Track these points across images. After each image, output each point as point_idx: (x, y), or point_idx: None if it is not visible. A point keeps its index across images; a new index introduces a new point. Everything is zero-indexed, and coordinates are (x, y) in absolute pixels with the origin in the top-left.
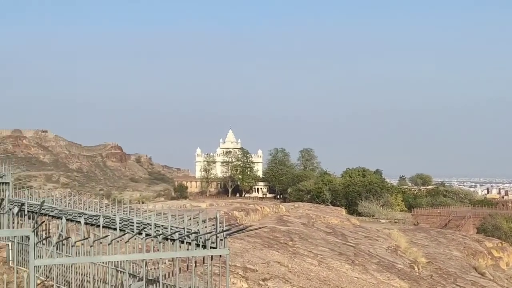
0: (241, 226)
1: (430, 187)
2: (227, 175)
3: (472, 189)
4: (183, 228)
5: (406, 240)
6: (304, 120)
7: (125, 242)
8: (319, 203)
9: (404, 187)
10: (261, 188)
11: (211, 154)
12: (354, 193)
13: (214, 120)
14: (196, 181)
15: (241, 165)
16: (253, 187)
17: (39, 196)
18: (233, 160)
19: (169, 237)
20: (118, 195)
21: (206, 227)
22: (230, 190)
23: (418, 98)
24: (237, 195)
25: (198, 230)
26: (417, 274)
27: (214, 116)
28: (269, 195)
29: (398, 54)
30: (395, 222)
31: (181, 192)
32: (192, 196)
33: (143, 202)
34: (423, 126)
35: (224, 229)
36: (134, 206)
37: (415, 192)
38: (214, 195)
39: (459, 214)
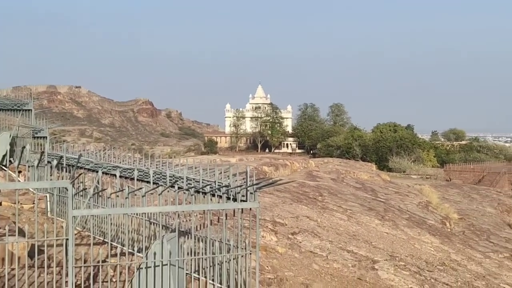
0: (271, 180)
1: (463, 142)
2: (256, 130)
3: (507, 145)
4: (214, 182)
5: (437, 196)
6: (334, 75)
7: (158, 195)
8: (349, 159)
9: (437, 142)
10: (290, 144)
11: (241, 109)
12: (385, 148)
13: (244, 76)
14: (225, 137)
15: (271, 120)
16: (282, 142)
17: (75, 150)
18: (262, 116)
19: (200, 190)
20: (149, 149)
21: (236, 181)
22: (259, 145)
23: (453, 50)
24: (266, 150)
25: (228, 183)
26: (449, 230)
27: (244, 72)
28: (298, 151)
29: (442, 10)
30: (426, 178)
31: (211, 147)
32: (222, 151)
33: (174, 157)
34: (457, 79)
35: (254, 183)
36: (166, 160)
37: (448, 148)
38: (243, 150)
39: (494, 170)
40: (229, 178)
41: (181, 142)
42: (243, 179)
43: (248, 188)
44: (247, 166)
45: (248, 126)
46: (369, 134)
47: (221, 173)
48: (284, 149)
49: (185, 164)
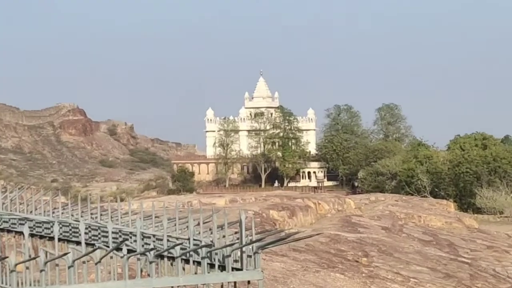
0: (283, 234)
1: None
2: (258, 151)
3: None
4: (188, 239)
5: None
6: (381, 63)
7: (96, 264)
8: (411, 194)
9: None
10: (315, 172)
11: (232, 118)
12: (470, 176)
13: (235, 63)
14: (207, 164)
15: (281, 134)
16: (301, 170)
17: None
18: (268, 127)
19: (165, 253)
20: (81, 188)
21: (224, 236)
22: (263, 176)
23: None
24: (276, 184)
25: (211, 241)
26: None
27: (235, 56)
28: (327, 183)
29: None
30: None
31: (183, 182)
32: (202, 187)
33: (122, 200)
34: None
35: (255, 239)
36: (108, 206)
37: None
38: (237, 185)
39: None
40: (212, 233)
41: (134, 174)
42: (236, 233)
43: (245, 249)
44: (243, 211)
45: (244, 145)
46: (442, 152)
47: (199, 224)
48: (304, 181)
49: (140, 212)
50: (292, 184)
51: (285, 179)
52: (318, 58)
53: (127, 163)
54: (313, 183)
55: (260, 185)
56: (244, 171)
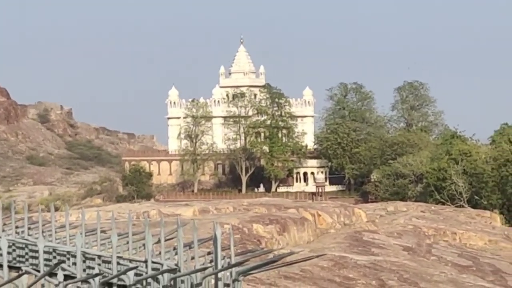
0: (271, 256)
1: None
2: (237, 145)
3: None
4: (145, 262)
5: None
6: (401, 29)
7: None
8: (443, 203)
9: None
10: (312, 173)
11: (201, 100)
12: None
13: (206, 28)
14: (170, 161)
15: (269, 122)
16: (294, 170)
17: None
18: (250, 113)
19: (115, 280)
20: (2, 193)
21: (193, 258)
22: (244, 178)
23: None
24: (261, 188)
25: (176, 264)
26: None
27: (206, 19)
28: (330, 188)
29: None
30: None
31: (138, 186)
32: (163, 193)
33: (58, 209)
34: None
35: (234, 261)
36: (39, 217)
37: None
38: (209, 189)
39: None
40: (176, 254)
41: (73, 175)
42: (210, 253)
43: (221, 275)
44: (216, 224)
45: (218, 137)
46: (483, 147)
47: (159, 242)
48: (299, 185)
49: (81, 225)
50: (282, 189)
51: (273, 182)
52: (318, 21)
53: (64, 160)
54: (311, 187)
55: (240, 190)
56: (218, 172)
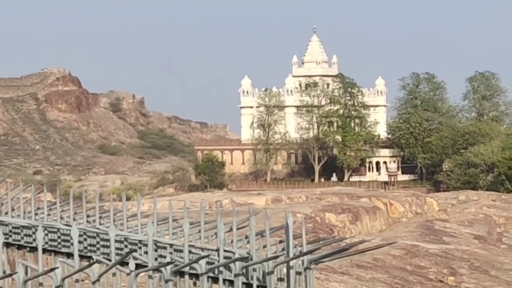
0: (344, 244)
1: None
2: (310, 135)
3: None
4: (217, 251)
5: None
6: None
7: (93, 283)
8: None
9: None
10: (385, 162)
11: (274, 89)
12: None
13: (279, 18)
14: (242, 150)
15: (341, 112)
16: (367, 160)
17: None
18: (323, 102)
19: (186, 269)
20: (74, 182)
21: (265, 246)
22: (317, 167)
23: None
24: (334, 177)
25: (248, 253)
26: None
27: (279, 9)
28: (402, 177)
29: None
30: None
31: (210, 175)
32: (236, 182)
33: (129, 198)
34: None
35: (305, 250)
36: (110, 207)
37: None
38: (282, 179)
39: None
40: (248, 243)
41: (145, 164)
42: (281, 242)
43: (292, 263)
44: (289, 213)
45: (291, 126)
46: None
47: (231, 231)
48: (371, 175)
49: (153, 214)
50: (355, 178)
51: (345, 171)
52: (391, 11)
53: (136, 149)
54: (383, 177)
55: (313, 180)
56: (291, 161)
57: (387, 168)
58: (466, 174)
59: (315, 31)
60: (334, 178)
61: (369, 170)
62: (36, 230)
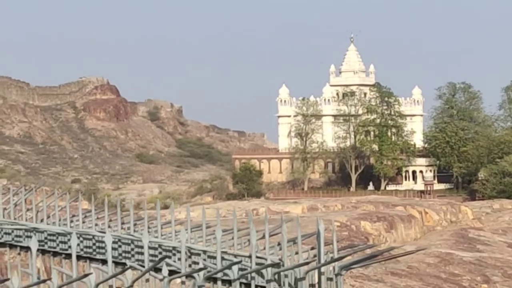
0: (376, 251)
1: None
2: (347, 144)
3: None
4: (249, 257)
5: None
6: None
7: None
8: None
9: None
10: (421, 172)
11: (312, 98)
12: None
13: (316, 28)
14: (280, 159)
15: (378, 121)
16: (403, 169)
17: None
18: (360, 111)
19: (219, 275)
20: (112, 191)
21: (297, 253)
22: (353, 176)
23: None
24: (370, 186)
25: (280, 259)
26: None
27: (317, 19)
28: (438, 186)
29: None
30: None
31: (248, 184)
32: (273, 191)
33: (167, 207)
34: None
35: (337, 256)
36: (145, 214)
37: None
38: (319, 187)
39: None
40: (281, 249)
41: (183, 173)
42: (313, 248)
43: (324, 269)
44: (321, 220)
45: (329, 135)
46: None
47: (263, 237)
48: (407, 183)
49: (186, 221)
50: (391, 187)
51: (382, 180)
52: (428, 20)
53: (174, 158)
54: (420, 185)
55: (349, 189)
56: (328, 170)
57: (423, 177)
58: (501, 183)
59: (352, 40)
60: (370, 187)
61: (406, 179)
62: (70, 237)
